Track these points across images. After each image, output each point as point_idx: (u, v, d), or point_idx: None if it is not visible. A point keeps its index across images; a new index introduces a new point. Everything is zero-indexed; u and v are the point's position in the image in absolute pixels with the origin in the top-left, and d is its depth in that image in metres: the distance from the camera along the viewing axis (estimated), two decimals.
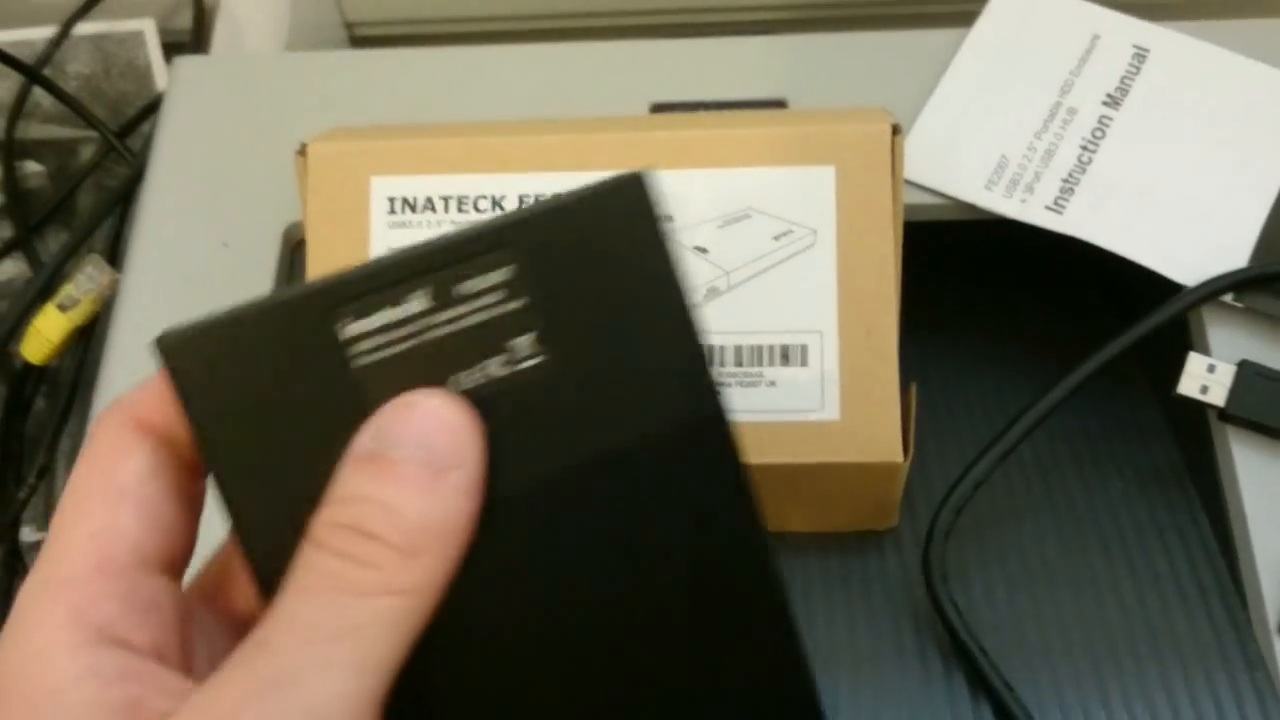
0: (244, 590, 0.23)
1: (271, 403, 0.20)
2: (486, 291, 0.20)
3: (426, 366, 0.20)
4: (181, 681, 0.20)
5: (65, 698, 0.19)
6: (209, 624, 0.22)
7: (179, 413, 0.20)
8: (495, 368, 0.20)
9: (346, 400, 0.20)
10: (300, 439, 0.20)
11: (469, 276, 0.20)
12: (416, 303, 0.20)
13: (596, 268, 0.20)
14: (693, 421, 0.21)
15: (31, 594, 0.20)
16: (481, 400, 0.20)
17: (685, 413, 0.21)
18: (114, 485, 0.20)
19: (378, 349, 0.20)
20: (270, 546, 0.20)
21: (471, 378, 0.20)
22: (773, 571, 0.21)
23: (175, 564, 0.21)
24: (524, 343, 0.20)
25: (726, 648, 0.21)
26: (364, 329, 0.20)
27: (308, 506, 0.20)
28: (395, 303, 0.20)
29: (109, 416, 0.21)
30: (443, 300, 0.20)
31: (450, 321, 0.20)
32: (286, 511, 0.20)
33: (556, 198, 0.20)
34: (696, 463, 0.21)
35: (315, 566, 0.19)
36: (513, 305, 0.20)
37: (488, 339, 0.20)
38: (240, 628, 0.22)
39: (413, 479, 0.19)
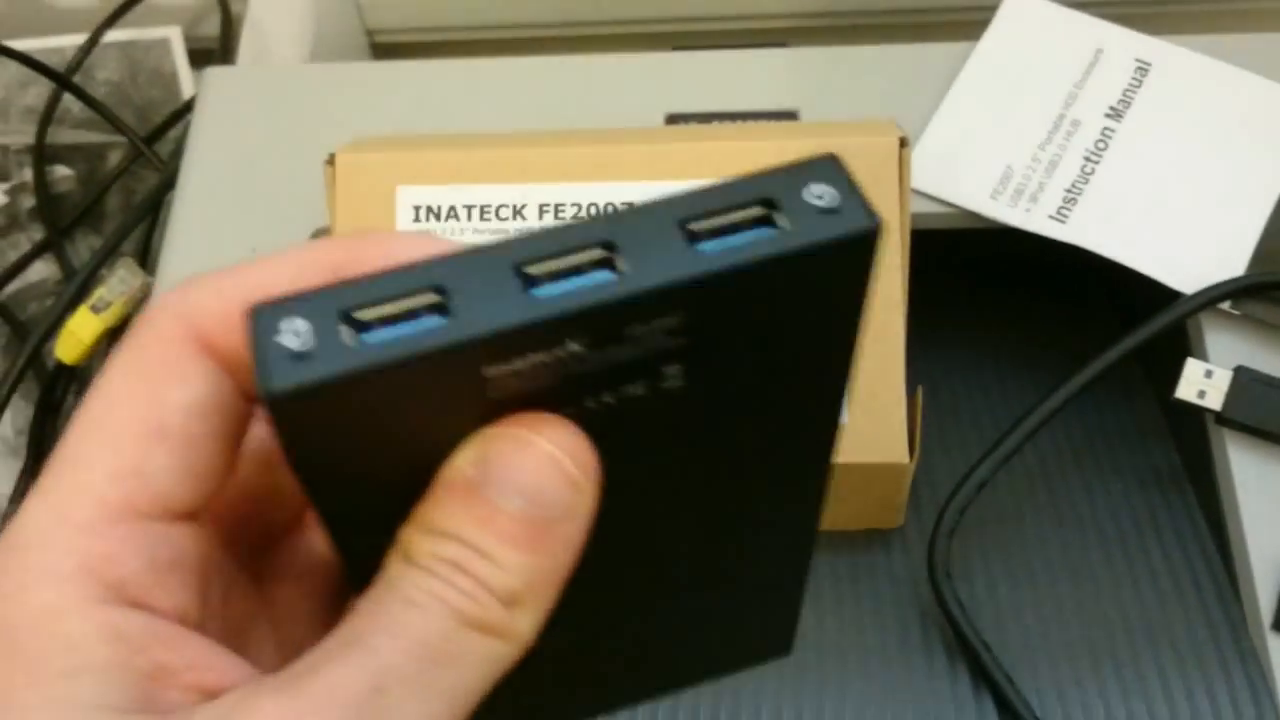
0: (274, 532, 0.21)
1: (393, 439, 0.17)
2: (651, 333, 0.17)
3: (555, 388, 0.17)
4: (210, 647, 0.18)
5: (82, 659, 0.16)
6: (224, 563, 0.20)
7: (284, 461, 0.17)
8: (629, 390, 0.18)
9: (471, 421, 0.18)
10: (415, 460, 0.18)
11: (640, 323, 0.17)
12: (574, 345, 0.17)
13: (785, 315, 0.18)
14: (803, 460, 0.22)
15: (37, 531, 0.17)
16: (605, 418, 0.18)
17: (804, 459, 0.22)
18: (155, 417, 0.17)
19: (514, 378, 0.17)
20: (368, 545, 0.18)
21: (600, 399, 0.18)
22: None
23: (200, 512, 0.18)
24: (670, 371, 0.18)
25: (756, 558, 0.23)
26: (511, 370, 0.17)
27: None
28: (551, 347, 0.17)
29: (167, 320, 0.18)
30: (601, 343, 0.17)
31: (599, 358, 0.17)
32: (394, 514, 0.18)
33: (776, 241, 0.17)
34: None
35: (421, 585, 0.17)
36: (673, 343, 0.18)
37: (631, 369, 0.18)
38: (257, 570, 0.21)
39: (518, 534, 0.17)
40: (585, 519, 0.18)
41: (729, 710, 0.34)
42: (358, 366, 0.16)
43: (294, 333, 0.16)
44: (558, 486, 0.17)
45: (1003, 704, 0.34)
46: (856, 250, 0.17)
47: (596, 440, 0.18)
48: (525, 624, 0.18)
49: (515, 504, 0.17)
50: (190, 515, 0.18)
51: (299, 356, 0.15)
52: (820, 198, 0.17)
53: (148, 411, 0.17)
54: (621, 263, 0.16)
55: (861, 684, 0.35)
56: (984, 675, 0.34)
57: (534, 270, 0.16)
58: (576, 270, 0.16)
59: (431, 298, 0.16)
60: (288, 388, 0.15)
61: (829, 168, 0.17)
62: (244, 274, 0.18)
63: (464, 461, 0.17)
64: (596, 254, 0.16)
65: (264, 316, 0.16)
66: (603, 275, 0.16)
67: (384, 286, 0.16)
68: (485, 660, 0.17)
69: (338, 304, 0.16)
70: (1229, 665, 0.35)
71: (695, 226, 0.17)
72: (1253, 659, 0.35)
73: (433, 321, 0.16)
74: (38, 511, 0.17)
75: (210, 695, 0.17)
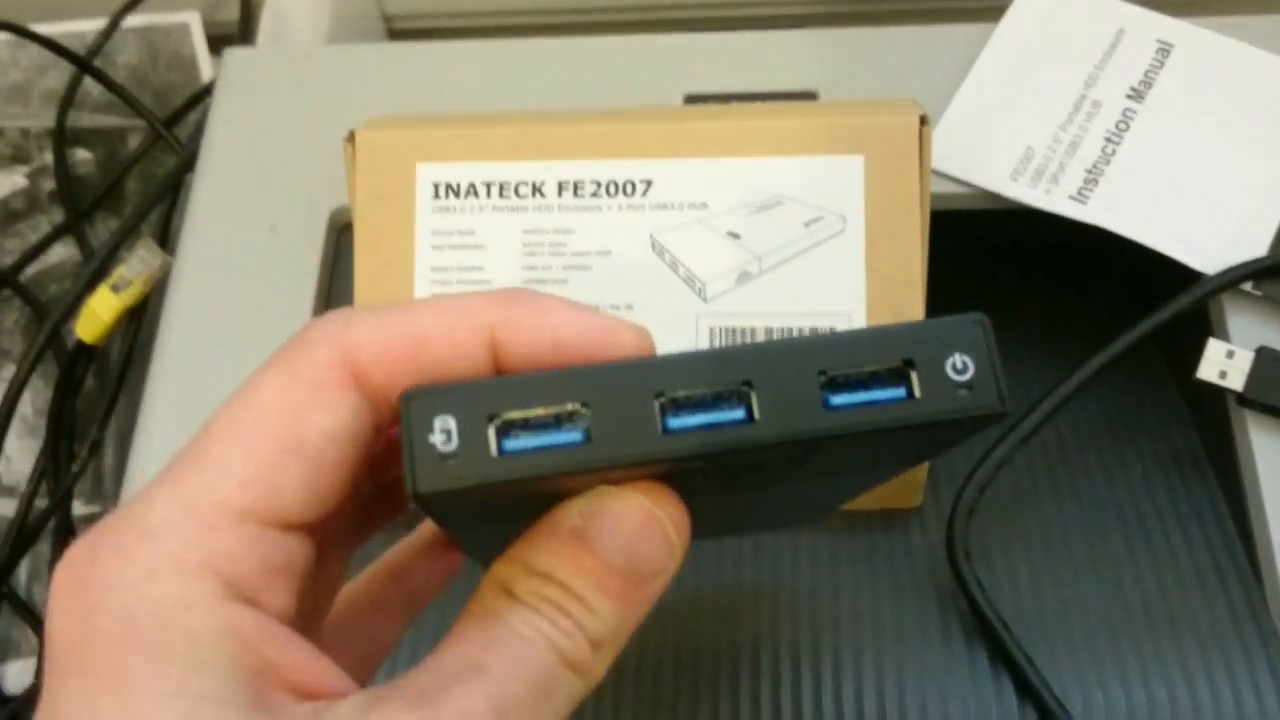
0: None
1: (520, 502, 0.19)
2: (772, 459, 0.19)
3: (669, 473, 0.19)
4: (310, 650, 0.18)
5: (204, 653, 0.17)
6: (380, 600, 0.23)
7: (431, 519, 0.20)
8: (734, 473, 0.20)
9: (587, 487, 0.19)
10: (534, 507, 0.19)
11: (762, 454, 0.18)
12: (698, 463, 0.18)
13: (893, 445, 0.19)
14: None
15: (165, 521, 0.18)
16: (705, 480, 0.19)
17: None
18: (295, 435, 0.18)
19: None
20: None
21: (709, 477, 0.19)
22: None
23: (314, 529, 0.19)
24: (775, 463, 0.19)
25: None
26: (635, 473, 0.19)
27: None
28: (676, 465, 0.18)
29: (324, 346, 0.19)
30: (724, 464, 0.19)
31: (720, 468, 0.19)
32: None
33: (906, 409, 0.18)
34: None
35: (530, 622, 0.18)
36: (789, 459, 0.19)
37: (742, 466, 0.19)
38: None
39: (614, 587, 0.19)
40: (669, 579, 0.19)
41: (749, 686, 0.34)
42: (494, 478, 0.17)
43: (444, 431, 0.17)
44: (657, 548, 0.19)
45: (1022, 685, 0.34)
46: (977, 422, 0.18)
47: (690, 485, 0.19)
48: (601, 668, 0.19)
49: (615, 556, 0.18)
50: (304, 529, 0.19)
51: (445, 457, 0.17)
52: (960, 372, 0.18)
53: (289, 428, 0.18)
54: (757, 402, 0.17)
55: (879, 664, 0.35)
56: (1003, 656, 0.34)
57: (674, 395, 0.17)
58: (713, 399, 0.17)
59: (574, 408, 0.17)
60: (432, 491, 0.17)
61: (975, 334, 0.18)
62: (405, 315, 0.19)
63: (573, 511, 0.19)
64: (734, 386, 0.17)
65: (418, 407, 0.17)
66: (736, 413, 0.17)
67: (532, 392, 0.17)
68: (570, 697, 0.18)
69: (487, 406, 0.17)
70: (1250, 648, 0.34)
71: (833, 374, 0.18)
72: (1274, 642, 0.34)
73: (572, 436, 0.17)
74: (167, 502, 0.18)
75: (308, 697, 0.18)
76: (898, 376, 0.18)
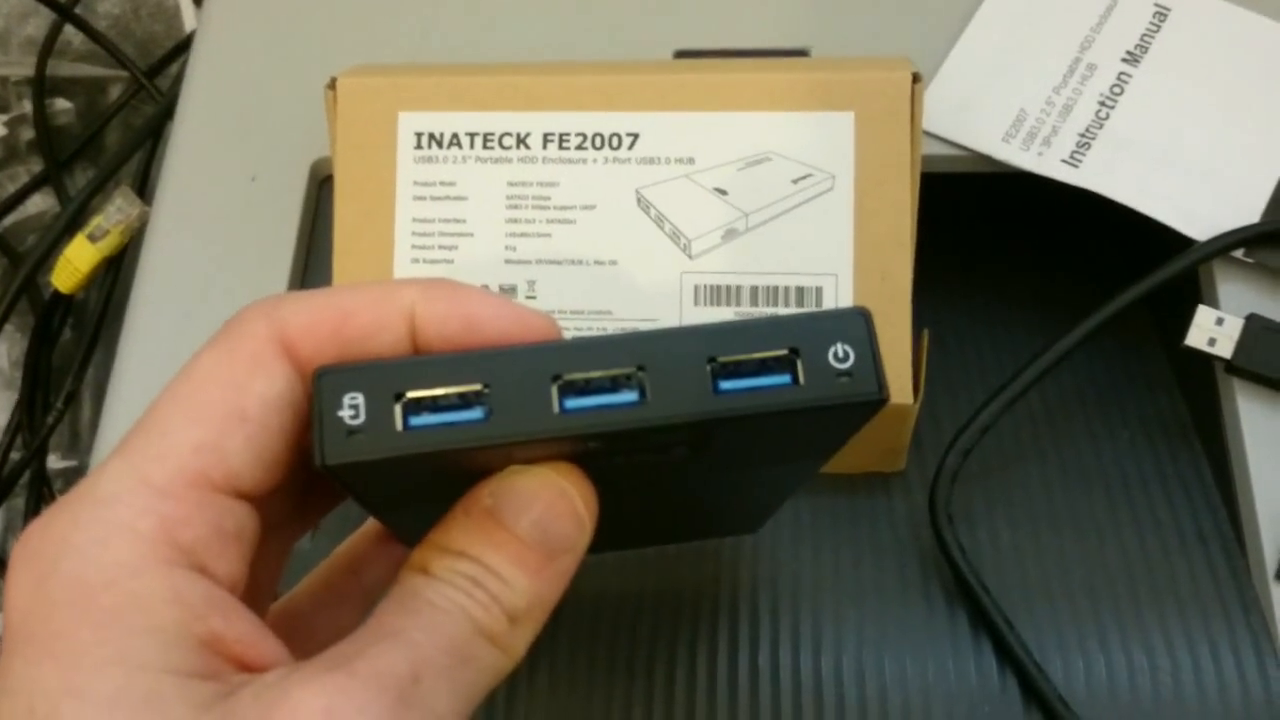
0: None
1: (426, 480, 0.20)
2: (665, 443, 0.20)
3: (571, 455, 0.20)
4: (255, 623, 0.19)
5: (151, 620, 0.17)
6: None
7: (354, 499, 0.20)
8: (638, 458, 0.20)
9: (495, 469, 0.20)
10: (448, 488, 0.20)
11: (656, 437, 0.19)
12: (594, 444, 0.19)
13: (782, 433, 0.20)
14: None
15: (117, 489, 0.18)
16: (611, 469, 0.20)
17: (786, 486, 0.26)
18: (238, 402, 0.19)
19: (536, 452, 0.20)
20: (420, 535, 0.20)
21: (611, 461, 0.20)
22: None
23: (260, 497, 0.20)
24: (677, 451, 0.20)
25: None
26: (534, 453, 0.19)
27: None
28: (574, 444, 0.19)
29: (259, 321, 0.20)
30: (619, 447, 0.20)
31: (616, 452, 0.20)
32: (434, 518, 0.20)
33: (791, 393, 0.19)
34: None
35: (444, 594, 0.19)
36: (684, 444, 0.20)
37: (642, 452, 0.20)
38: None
39: (526, 559, 0.19)
40: (580, 556, 0.20)
41: (727, 647, 0.34)
42: (399, 451, 0.18)
43: (353, 406, 0.18)
44: (566, 520, 0.20)
45: (1002, 649, 0.34)
46: (860, 409, 0.19)
47: (598, 478, 0.20)
48: (521, 642, 0.19)
49: (527, 529, 0.19)
50: (251, 498, 0.19)
51: (352, 431, 0.18)
52: (841, 360, 0.19)
53: (232, 396, 0.19)
54: (649, 385, 0.19)
55: (860, 626, 0.34)
56: (983, 619, 0.34)
57: (570, 378, 0.19)
58: (609, 384, 0.19)
59: (476, 388, 0.18)
60: (339, 463, 0.18)
61: (858, 326, 0.19)
62: (333, 295, 0.20)
63: (484, 493, 0.19)
64: (628, 370, 0.19)
65: (328, 383, 0.18)
66: (629, 396, 0.19)
67: (437, 372, 0.18)
68: (490, 669, 0.19)
69: (394, 384, 0.18)
70: (1231, 614, 0.34)
71: (722, 359, 0.19)
72: (1255, 609, 0.34)
73: (473, 414, 0.18)
74: (120, 471, 0.18)
75: (248, 670, 0.18)
76: (784, 364, 0.19)
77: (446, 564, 0.19)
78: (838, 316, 0.19)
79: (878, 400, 0.19)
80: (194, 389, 0.19)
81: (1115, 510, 0.37)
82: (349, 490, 0.20)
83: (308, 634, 0.24)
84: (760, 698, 0.33)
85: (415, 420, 0.18)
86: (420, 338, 0.20)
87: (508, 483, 0.20)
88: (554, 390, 0.19)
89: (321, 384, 0.18)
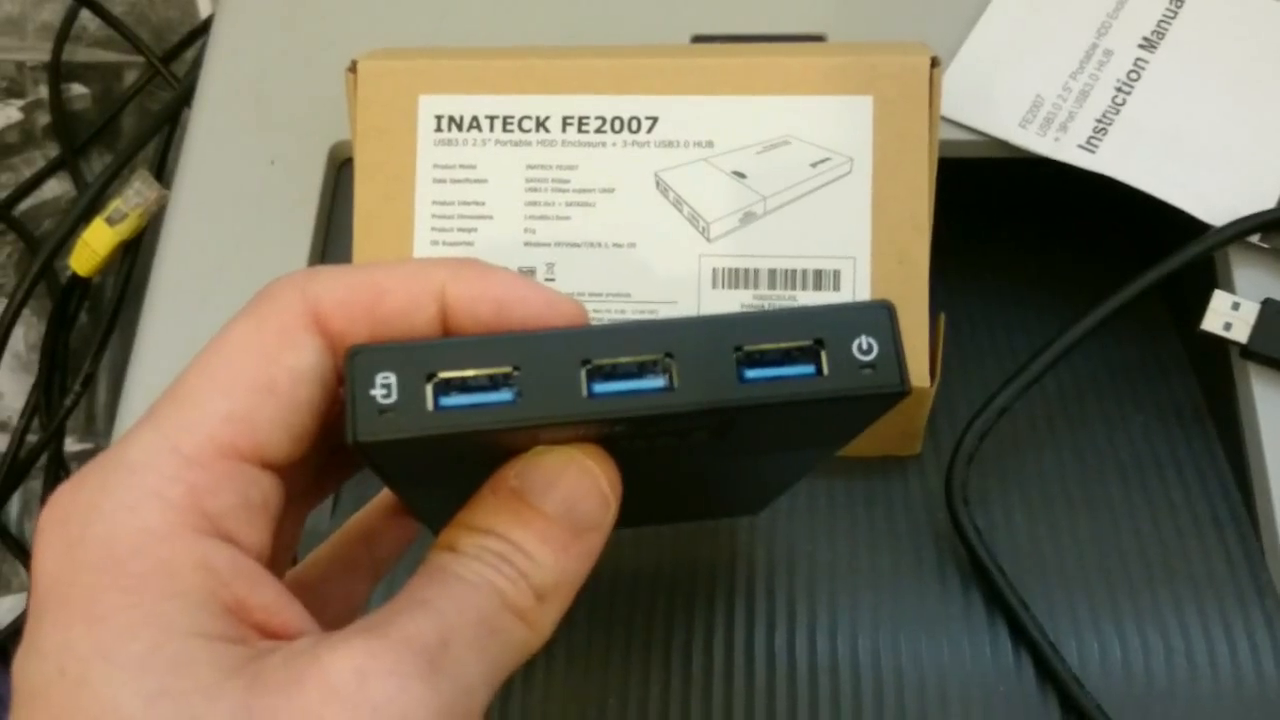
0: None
1: (456, 461, 0.20)
2: (689, 428, 0.20)
3: (597, 436, 0.20)
4: (280, 591, 0.19)
5: (179, 584, 0.17)
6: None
7: (378, 476, 0.20)
8: (660, 441, 0.21)
9: (523, 449, 0.20)
10: (476, 470, 0.20)
11: (681, 423, 0.20)
12: (620, 428, 0.20)
13: (804, 420, 0.21)
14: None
15: (147, 456, 0.18)
16: (634, 450, 0.20)
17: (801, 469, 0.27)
18: (268, 374, 0.19)
19: (563, 434, 0.20)
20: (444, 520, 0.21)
21: (634, 443, 0.20)
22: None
23: (285, 468, 0.20)
24: (699, 435, 0.21)
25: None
26: (563, 435, 0.20)
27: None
28: (601, 428, 0.19)
29: (291, 293, 0.20)
30: (645, 431, 0.20)
31: (641, 435, 0.20)
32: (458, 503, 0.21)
33: (815, 384, 0.19)
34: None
35: (472, 568, 0.19)
36: (707, 430, 0.20)
37: (665, 435, 0.20)
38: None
39: (553, 536, 0.20)
40: (605, 535, 0.20)
41: (743, 630, 0.34)
42: (429, 431, 0.18)
43: (385, 385, 0.18)
44: (591, 498, 0.20)
45: (1017, 631, 0.34)
46: (881, 401, 0.20)
47: (622, 457, 0.20)
48: (548, 620, 0.20)
49: (553, 506, 0.19)
50: (278, 469, 0.20)
51: (384, 410, 0.18)
52: (865, 352, 0.19)
53: (262, 368, 0.19)
54: (676, 373, 0.19)
55: (876, 608, 0.35)
56: (999, 601, 0.34)
57: (599, 362, 0.19)
58: (637, 369, 0.19)
59: (506, 370, 0.19)
60: (370, 441, 0.18)
61: (882, 319, 0.20)
62: (366, 272, 0.20)
63: (510, 473, 0.20)
64: (656, 356, 0.19)
65: (362, 362, 0.18)
66: (656, 382, 0.19)
67: (468, 354, 0.19)
68: (517, 644, 0.19)
69: (426, 365, 0.19)
70: (1245, 597, 0.34)
71: (748, 348, 0.19)
72: (1270, 593, 0.34)
73: (502, 396, 0.19)
74: (150, 438, 0.19)
75: (274, 638, 0.18)
76: (808, 354, 0.19)
77: (474, 541, 0.19)
78: (862, 309, 0.20)
79: (899, 393, 0.19)
80: (225, 360, 0.19)
81: (1130, 493, 0.37)
82: (375, 468, 0.20)
83: (320, 604, 0.24)
84: (777, 678, 0.33)
85: (446, 401, 0.19)
86: (451, 319, 0.20)
87: (534, 462, 0.20)
88: (583, 375, 0.19)
89: (355, 363, 0.18)
